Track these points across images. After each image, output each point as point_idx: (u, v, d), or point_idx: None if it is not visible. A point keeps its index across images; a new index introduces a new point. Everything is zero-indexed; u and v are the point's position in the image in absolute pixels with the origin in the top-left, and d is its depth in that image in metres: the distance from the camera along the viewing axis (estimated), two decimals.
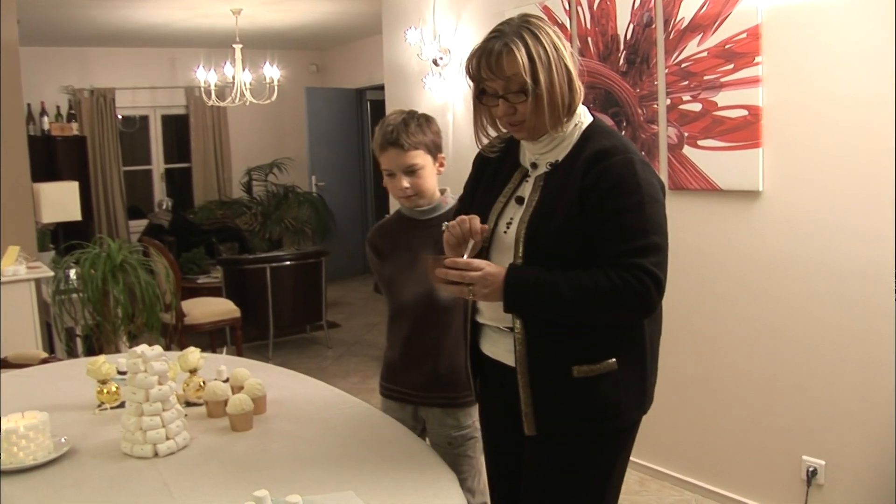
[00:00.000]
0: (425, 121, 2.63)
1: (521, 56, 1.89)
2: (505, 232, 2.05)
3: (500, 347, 2.10)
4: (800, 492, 3.42)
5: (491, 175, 2.20)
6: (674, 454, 3.98)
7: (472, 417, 2.63)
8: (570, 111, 1.98)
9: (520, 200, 2.06)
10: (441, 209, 2.68)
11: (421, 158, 2.59)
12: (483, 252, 2.07)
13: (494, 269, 1.92)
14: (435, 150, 2.65)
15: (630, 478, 4.08)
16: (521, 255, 1.97)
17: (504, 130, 2.10)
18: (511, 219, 2.05)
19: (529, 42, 1.91)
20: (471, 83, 2.04)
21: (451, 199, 2.70)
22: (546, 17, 1.94)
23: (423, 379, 2.64)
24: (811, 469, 3.38)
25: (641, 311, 1.92)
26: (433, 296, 2.53)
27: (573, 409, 1.98)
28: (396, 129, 2.56)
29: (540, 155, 2.07)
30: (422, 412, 2.65)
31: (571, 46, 2.00)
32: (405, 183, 2.59)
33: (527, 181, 2.08)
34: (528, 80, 1.90)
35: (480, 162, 2.29)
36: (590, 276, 1.87)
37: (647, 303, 1.89)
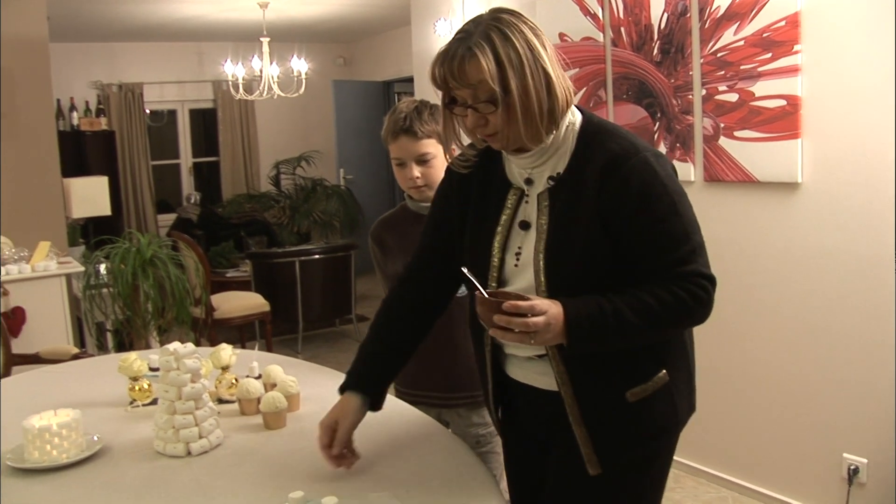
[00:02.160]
0: (437, 110, 2.56)
1: (488, 61, 1.65)
2: (516, 265, 1.83)
3: (530, 370, 1.91)
4: (841, 490, 3.36)
5: (478, 197, 1.94)
6: (710, 451, 3.92)
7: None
8: (553, 119, 1.74)
9: (524, 225, 1.84)
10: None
11: (433, 148, 2.52)
12: (497, 287, 1.85)
13: (556, 310, 1.65)
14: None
15: None
16: (544, 287, 1.75)
17: (479, 141, 1.85)
18: (519, 248, 1.84)
19: (498, 44, 1.67)
20: (437, 91, 1.79)
21: None
22: (522, 13, 1.76)
23: (444, 380, 2.59)
24: (853, 467, 3.31)
25: (704, 316, 1.77)
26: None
27: (634, 434, 1.83)
28: (409, 117, 2.49)
29: (532, 169, 1.85)
30: (445, 415, 2.59)
31: (549, 44, 1.74)
32: (416, 172, 2.51)
33: (526, 202, 1.85)
34: (497, 89, 1.66)
35: (459, 182, 2.00)
36: (650, 294, 1.69)
37: (710, 306, 1.75)
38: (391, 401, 2.45)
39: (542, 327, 1.62)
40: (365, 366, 2.04)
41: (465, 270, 1.75)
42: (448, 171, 2.06)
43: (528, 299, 1.63)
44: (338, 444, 1.90)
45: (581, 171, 1.76)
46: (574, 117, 1.81)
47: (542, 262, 1.77)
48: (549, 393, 1.84)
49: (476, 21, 1.74)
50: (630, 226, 1.72)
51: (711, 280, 1.74)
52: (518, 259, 1.83)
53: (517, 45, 1.68)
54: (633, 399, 1.79)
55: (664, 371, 1.81)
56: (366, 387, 2.00)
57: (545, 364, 1.82)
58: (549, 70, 1.70)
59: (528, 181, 1.85)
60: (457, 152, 2.08)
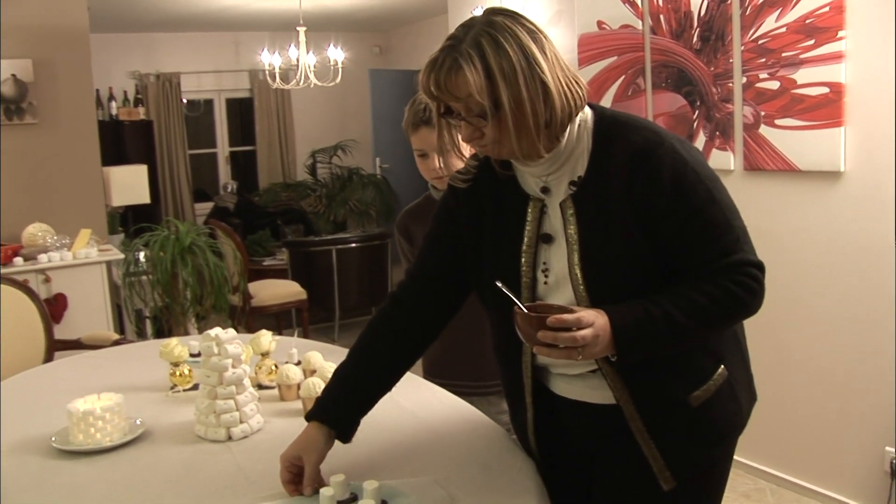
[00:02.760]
0: None
1: (475, 74, 1.52)
2: (546, 282, 1.72)
3: (583, 386, 1.77)
4: (883, 484, 3.32)
5: (494, 212, 1.80)
6: (748, 442, 3.86)
7: None
8: (551, 131, 1.61)
9: (547, 238, 1.71)
10: None
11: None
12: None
13: (602, 321, 1.54)
14: None
15: None
16: (586, 302, 1.64)
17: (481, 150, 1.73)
18: (545, 263, 1.72)
19: (489, 53, 1.53)
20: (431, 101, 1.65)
21: None
22: (519, 13, 1.62)
23: (472, 369, 2.58)
24: (895, 461, 3.27)
25: (758, 306, 1.65)
26: None
27: (702, 441, 1.74)
28: (429, 108, 2.42)
29: (548, 177, 1.71)
30: (475, 403, 2.57)
31: (550, 47, 1.59)
32: (437, 163, 2.50)
33: (546, 213, 1.72)
34: (487, 103, 1.53)
35: (466, 196, 1.85)
36: (699, 292, 1.59)
37: (763, 294, 1.64)
38: (432, 388, 2.46)
39: (590, 340, 1.51)
40: (337, 392, 1.86)
41: (500, 285, 1.61)
42: (450, 186, 1.91)
43: (571, 311, 1.54)
44: (308, 482, 1.73)
45: (604, 170, 1.65)
46: (585, 115, 1.69)
47: (580, 275, 1.65)
48: (605, 407, 1.72)
49: (467, 25, 1.59)
50: (668, 220, 1.61)
51: (760, 267, 1.63)
52: (547, 276, 1.72)
53: (510, 52, 1.53)
54: (697, 403, 1.69)
55: (722, 367, 1.72)
56: (335, 418, 1.82)
57: (598, 378, 1.70)
58: (548, 79, 1.55)
59: (545, 190, 1.72)
60: (453, 162, 1.95)
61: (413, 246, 2.68)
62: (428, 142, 2.47)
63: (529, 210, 1.73)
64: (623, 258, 1.63)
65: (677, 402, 1.68)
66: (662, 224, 1.61)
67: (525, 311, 1.54)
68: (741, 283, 1.60)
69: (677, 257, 1.63)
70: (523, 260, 1.73)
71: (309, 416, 1.84)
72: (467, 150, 1.84)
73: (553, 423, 1.87)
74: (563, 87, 1.58)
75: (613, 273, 1.63)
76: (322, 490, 1.66)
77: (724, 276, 1.60)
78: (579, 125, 1.67)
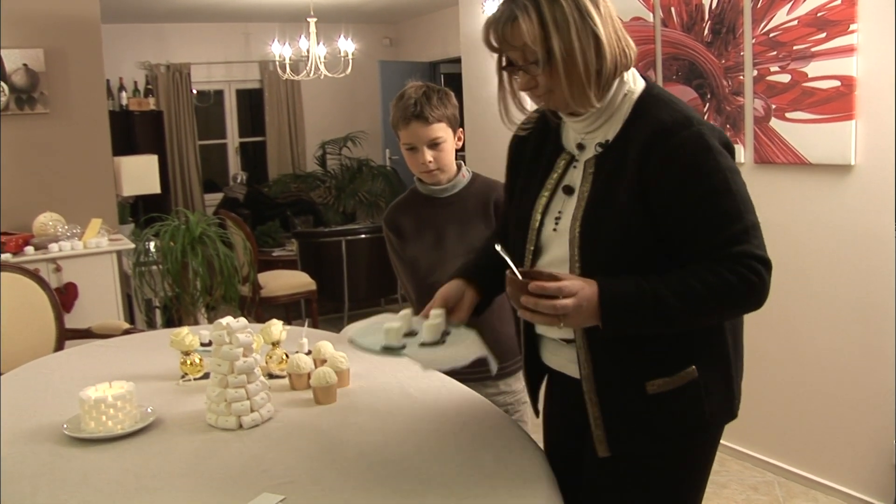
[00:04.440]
0: (445, 94, 2.61)
1: (529, 23, 1.63)
2: (554, 229, 1.79)
3: (563, 357, 1.86)
4: (890, 477, 3.32)
5: (529, 160, 1.92)
6: (756, 434, 3.89)
7: (521, 381, 2.53)
8: (601, 80, 1.68)
9: (568, 190, 1.80)
10: (460, 185, 2.69)
11: (443, 132, 2.58)
12: (535, 254, 1.83)
13: (588, 291, 1.59)
14: (455, 123, 2.64)
15: None
16: (577, 259, 1.70)
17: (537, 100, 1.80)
18: (560, 212, 1.80)
19: (543, 4, 1.63)
20: (492, 55, 1.76)
21: (468, 174, 2.71)
22: None
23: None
24: None
25: (759, 303, 1.66)
26: None
27: (650, 427, 1.74)
28: (419, 102, 2.53)
29: (586, 134, 1.80)
30: (473, 387, 2.60)
31: (605, 4, 1.69)
32: (428, 157, 2.58)
33: (574, 167, 1.81)
34: (540, 51, 1.64)
35: (516, 145, 2.00)
36: (696, 276, 1.60)
37: (764, 291, 1.64)
38: (441, 378, 2.47)
39: (570, 310, 1.57)
40: (483, 263, 2.00)
41: (498, 248, 1.69)
42: (512, 138, 2.02)
43: (559, 279, 1.59)
44: (464, 310, 1.92)
45: (629, 139, 1.70)
46: (634, 85, 1.75)
47: (577, 231, 1.71)
48: (578, 381, 1.78)
49: None
50: (676, 201, 1.63)
51: (766, 263, 1.62)
52: (557, 224, 1.79)
53: (563, 4, 1.63)
54: (653, 391, 1.70)
55: (693, 367, 1.71)
56: (481, 285, 1.98)
57: (573, 350, 1.77)
58: (600, 31, 1.64)
59: (580, 146, 1.81)
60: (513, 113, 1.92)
61: (402, 239, 2.73)
62: (418, 135, 2.56)
63: (558, 161, 1.84)
64: (619, 227, 1.67)
65: (634, 384, 1.72)
66: (668, 204, 1.64)
67: (514, 274, 1.61)
68: (740, 274, 1.60)
69: (681, 241, 1.65)
70: (539, 203, 1.83)
71: (455, 276, 2.00)
72: (529, 104, 1.89)
73: (547, 392, 2.03)
74: (614, 41, 1.67)
75: (607, 239, 1.68)
76: (387, 324, 1.86)
77: (724, 264, 1.60)
78: (626, 93, 1.74)
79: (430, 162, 2.59)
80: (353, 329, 2.02)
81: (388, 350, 1.85)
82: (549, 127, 1.89)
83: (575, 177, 1.80)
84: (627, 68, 1.73)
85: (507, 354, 2.58)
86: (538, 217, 1.82)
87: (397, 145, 2.73)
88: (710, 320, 1.70)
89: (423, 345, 1.84)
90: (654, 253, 1.67)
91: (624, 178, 1.68)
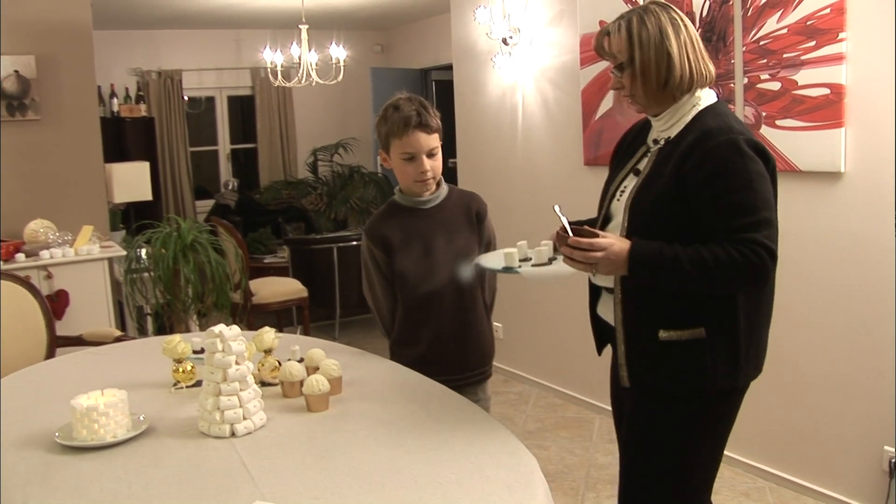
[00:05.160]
0: (432, 106, 2.69)
1: (619, 38, 2.13)
2: (618, 200, 2.25)
3: (607, 307, 2.28)
4: (881, 483, 3.33)
5: (624, 150, 2.38)
6: (747, 441, 3.90)
7: (490, 388, 2.93)
8: (669, 90, 2.12)
9: (636, 172, 2.23)
10: (443, 195, 2.75)
11: (438, 141, 2.66)
12: (605, 219, 2.29)
13: (617, 247, 2.03)
14: (442, 134, 2.71)
15: None
16: (625, 224, 2.15)
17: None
18: (625, 188, 2.24)
19: (633, 24, 2.11)
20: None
21: (445, 185, 2.78)
22: (672, 6, 2.18)
23: (457, 364, 2.74)
24: (893, 460, 3.28)
25: (757, 283, 2.04)
26: (457, 279, 2.67)
27: (659, 368, 2.14)
28: (420, 112, 2.61)
29: (661, 132, 2.21)
30: (460, 392, 2.65)
31: (686, 34, 2.13)
32: (427, 165, 2.63)
33: (647, 156, 2.24)
34: (624, 58, 2.14)
35: (622, 138, 2.46)
36: (708, 250, 1.99)
37: (763, 274, 2.00)
38: (434, 385, 2.48)
39: (599, 260, 2.03)
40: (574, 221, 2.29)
41: (556, 209, 2.12)
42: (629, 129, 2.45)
43: (597, 236, 2.04)
44: None
45: (683, 139, 2.11)
46: (704, 100, 2.15)
47: (629, 202, 2.16)
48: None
49: (634, 8, 2.17)
50: (704, 191, 2.02)
51: (770, 252, 1.98)
52: (621, 197, 2.24)
53: (648, 26, 2.09)
54: (664, 338, 2.10)
55: (702, 329, 2.09)
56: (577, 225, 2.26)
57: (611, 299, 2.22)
58: (673, 52, 2.08)
59: (655, 141, 2.23)
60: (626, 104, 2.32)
61: (391, 252, 2.73)
62: (420, 144, 2.60)
63: (639, 151, 2.30)
64: (656, 205, 2.10)
65: (649, 331, 2.13)
66: (697, 194, 2.03)
67: (563, 231, 2.07)
68: (745, 255, 1.96)
69: (706, 223, 2.03)
70: (616, 180, 2.30)
71: None
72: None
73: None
74: (686, 61, 2.10)
75: (646, 213, 2.11)
76: (506, 249, 2.37)
77: (733, 245, 1.97)
78: (693, 104, 2.15)
79: (428, 171, 2.63)
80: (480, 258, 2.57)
81: (508, 269, 2.34)
82: (647, 126, 2.32)
83: (644, 164, 2.22)
84: (702, 86, 2.15)
85: (485, 358, 2.82)
86: (612, 191, 2.29)
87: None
88: (715, 288, 2.05)
89: (534, 265, 2.34)
90: (683, 228, 2.06)
91: (667, 169, 2.09)
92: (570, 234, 2.04)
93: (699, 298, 2.08)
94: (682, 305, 2.09)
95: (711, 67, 2.16)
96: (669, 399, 2.17)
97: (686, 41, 2.11)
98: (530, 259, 2.36)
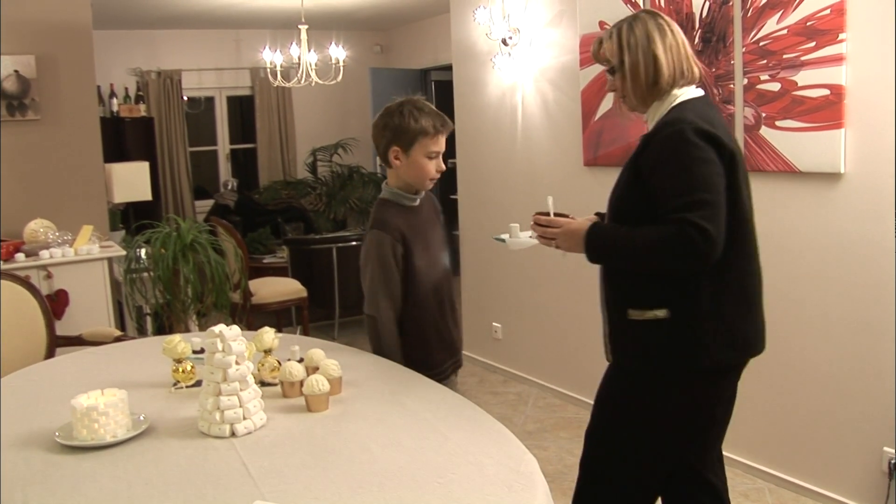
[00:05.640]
0: None
1: (610, 44, 2.36)
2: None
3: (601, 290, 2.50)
4: (881, 484, 3.33)
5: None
6: (746, 441, 3.90)
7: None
8: (657, 90, 2.31)
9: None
10: (422, 194, 2.87)
11: None
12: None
13: (576, 226, 2.37)
14: None
15: None
16: (607, 213, 2.43)
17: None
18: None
19: (624, 31, 2.33)
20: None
21: None
22: (661, 14, 2.39)
23: (453, 351, 2.93)
24: (893, 461, 3.28)
25: (691, 261, 2.14)
26: (448, 268, 2.91)
27: (629, 345, 2.35)
28: (441, 115, 2.75)
29: (649, 129, 2.37)
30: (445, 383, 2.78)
31: (672, 38, 2.33)
32: (441, 165, 2.77)
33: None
34: (615, 62, 2.36)
35: None
36: (651, 230, 2.19)
37: (694, 252, 2.11)
38: (433, 385, 2.48)
39: (557, 235, 2.40)
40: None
41: (549, 199, 2.53)
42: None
43: (564, 216, 2.44)
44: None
45: (653, 134, 2.29)
46: (681, 97, 2.31)
47: (609, 195, 2.42)
48: None
49: (625, 17, 2.39)
50: (652, 176, 2.22)
51: (703, 231, 2.09)
52: None
53: (637, 32, 2.31)
54: (631, 317, 2.30)
55: (666, 311, 2.25)
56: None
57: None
58: (660, 55, 2.28)
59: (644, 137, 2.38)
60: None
61: (405, 249, 2.74)
62: (441, 145, 2.75)
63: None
64: (621, 194, 2.35)
65: (620, 309, 2.34)
66: (651, 178, 2.23)
67: (537, 213, 2.48)
68: (674, 232, 2.12)
69: (656, 206, 2.21)
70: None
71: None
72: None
73: None
74: (672, 63, 2.30)
75: (615, 202, 2.38)
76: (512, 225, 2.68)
77: (669, 225, 2.14)
78: (673, 101, 2.31)
79: (442, 169, 2.77)
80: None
81: (498, 239, 2.74)
82: None
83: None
84: (686, 84, 2.33)
85: (456, 352, 2.95)
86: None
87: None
88: (655, 265, 2.23)
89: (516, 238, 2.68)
90: (646, 214, 2.23)
91: (632, 159, 2.31)
92: (538, 214, 2.46)
93: (663, 280, 2.24)
94: (648, 287, 2.27)
95: (696, 69, 2.36)
96: (636, 374, 2.36)
97: (672, 44, 2.31)
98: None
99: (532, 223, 2.49)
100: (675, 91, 2.31)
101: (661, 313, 2.25)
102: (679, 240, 2.11)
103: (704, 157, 2.15)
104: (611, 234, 2.31)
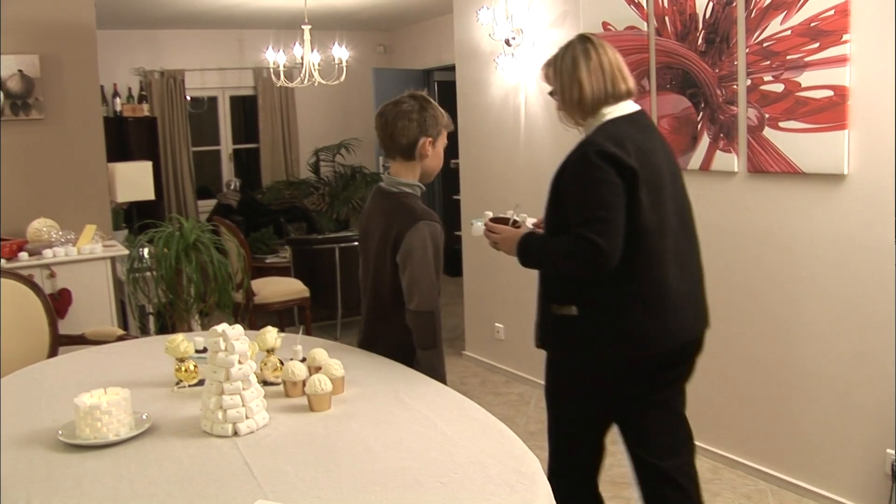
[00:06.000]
0: None
1: (549, 69, 2.66)
2: None
3: None
4: (883, 487, 3.33)
5: None
6: (749, 443, 3.90)
7: None
8: (581, 109, 2.58)
9: None
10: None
11: None
12: None
13: (511, 234, 2.71)
14: None
15: (703, 465, 4.00)
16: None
17: None
18: None
19: (558, 58, 2.63)
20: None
21: None
22: (592, 39, 2.62)
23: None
24: None
25: (586, 269, 2.44)
26: None
27: (551, 335, 2.67)
28: None
29: None
30: None
31: (598, 60, 2.58)
32: None
33: None
34: (554, 85, 2.65)
35: None
36: (558, 241, 2.52)
37: (586, 262, 2.41)
38: (434, 384, 2.48)
39: (497, 240, 2.77)
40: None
41: (515, 207, 2.85)
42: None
43: (517, 224, 2.77)
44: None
45: (568, 155, 2.54)
46: (608, 115, 2.55)
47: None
48: None
49: (565, 43, 2.65)
50: (565, 197, 2.51)
51: (594, 245, 2.38)
52: None
53: (567, 59, 2.59)
54: (553, 311, 2.61)
55: (574, 307, 2.54)
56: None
57: None
58: (583, 79, 2.55)
59: None
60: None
61: None
62: None
63: None
64: (548, 207, 2.62)
65: (546, 303, 2.65)
66: (564, 197, 2.52)
67: (494, 218, 2.85)
68: (572, 244, 2.44)
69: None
70: None
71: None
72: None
73: None
74: (594, 86, 2.54)
75: (545, 213, 2.65)
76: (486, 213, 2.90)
77: (571, 238, 2.45)
78: (599, 121, 2.56)
79: None
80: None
81: (471, 225, 2.96)
82: None
83: None
84: (608, 105, 2.56)
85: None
86: None
87: None
88: (561, 270, 2.56)
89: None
90: (567, 226, 2.48)
91: (555, 177, 2.58)
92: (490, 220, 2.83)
93: (574, 282, 2.53)
94: (565, 286, 2.57)
95: (624, 86, 2.57)
96: (557, 361, 2.71)
97: (595, 66, 2.55)
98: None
99: (485, 222, 2.83)
100: (605, 109, 2.55)
101: (572, 310, 2.55)
102: (576, 252, 2.42)
103: (602, 178, 2.41)
104: (534, 244, 2.62)
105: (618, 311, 2.52)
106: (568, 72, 2.56)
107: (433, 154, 2.83)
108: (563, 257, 2.49)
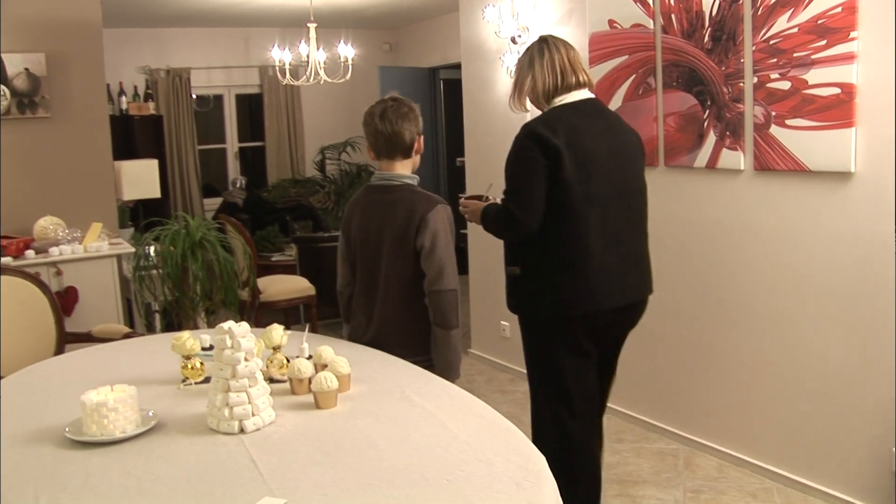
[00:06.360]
0: None
1: (516, 65, 3.15)
2: None
3: None
4: (890, 484, 3.32)
5: None
6: (755, 441, 3.90)
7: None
8: (539, 97, 3.03)
9: None
10: None
11: None
12: None
13: (477, 206, 3.14)
14: None
15: (709, 463, 4.01)
16: None
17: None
18: None
19: (522, 56, 3.12)
20: None
21: None
22: (552, 39, 3.09)
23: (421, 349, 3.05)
24: None
25: (509, 233, 2.99)
26: None
27: (509, 293, 3.08)
28: None
29: None
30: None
31: (552, 58, 3.02)
32: None
33: None
34: (516, 77, 3.12)
35: None
36: (497, 209, 2.99)
37: (506, 227, 2.96)
38: (441, 382, 2.47)
39: (466, 213, 3.23)
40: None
41: (489, 185, 3.46)
42: None
43: (482, 200, 3.19)
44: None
45: None
46: (558, 103, 2.98)
47: None
48: None
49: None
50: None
51: (510, 214, 2.89)
52: None
53: (526, 56, 3.08)
54: (508, 273, 3.06)
55: (518, 269, 2.99)
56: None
57: None
58: (536, 73, 3.01)
59: None
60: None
61: None
62: None
63: None
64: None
65: (506, 265, 3.08)
66: None
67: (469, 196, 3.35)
68: (501, 214, 2.97)
69: None
70: None
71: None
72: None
73: None
74: (546, 79, 3.00)
75: None
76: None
77: (498, 207, 2.99)
78: (551, 108, 2.99)
79: None
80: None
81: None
82: None
83: None
84: (563, 93, 2.99)
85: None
86: None
87: None
88: (494, 232, 3.06)
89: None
90: None
91: None
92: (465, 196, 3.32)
93: (516, 246, 3.00)
94: (510, 249, 3.04)
95: (574, 79, 2.99)
96: (521, 319, 3.11)
97: (548, 62, 2.99)
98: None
99: (461, 197, 3.34)
100: (556, 98, 2.98)
101: (516, 271, 3.00)
102: (501, 219, 2.95)
103: (527, 157, 2.86)
104: (487, 213, 3.04)
105: (546, 273, 2.93)
106: (525, 67, 3.04)
107: (419, 152, 3.12)
108: (494, 222, 3.01)
